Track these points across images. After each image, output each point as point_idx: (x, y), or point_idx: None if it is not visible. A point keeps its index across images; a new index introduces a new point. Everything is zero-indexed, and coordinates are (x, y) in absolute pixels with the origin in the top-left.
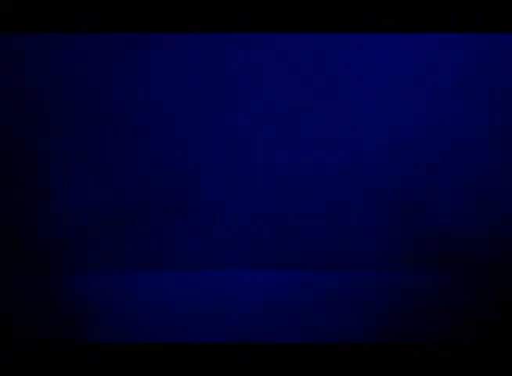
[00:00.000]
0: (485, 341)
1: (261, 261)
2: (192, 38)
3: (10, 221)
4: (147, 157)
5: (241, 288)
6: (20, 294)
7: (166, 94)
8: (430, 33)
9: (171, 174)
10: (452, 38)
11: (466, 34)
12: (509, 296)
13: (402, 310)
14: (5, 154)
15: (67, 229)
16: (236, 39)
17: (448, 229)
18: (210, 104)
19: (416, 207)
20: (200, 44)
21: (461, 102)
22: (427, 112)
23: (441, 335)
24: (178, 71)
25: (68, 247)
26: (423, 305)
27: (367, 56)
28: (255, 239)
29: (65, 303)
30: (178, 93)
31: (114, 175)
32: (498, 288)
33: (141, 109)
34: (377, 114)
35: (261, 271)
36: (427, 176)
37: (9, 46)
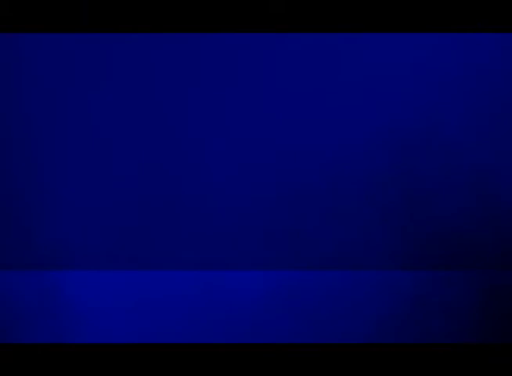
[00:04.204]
0: (486, 341)
1: (261, 261)
2: (191, 38)
3: (10, 220)
4: (146, 156)
5: (241, 288)
6: (19, 293)
7: (166, 93)
8: (430, 33)
9: (171, 174)
10: (453, 38)
11: (466, 34)
12: (509, 296)
13: (402, 311)
14: (5, 154)
15: (66, 228)
16: (236, 39)
17: (448, 230)
18: (210, 104)
19: (417, 208)
20: (200, 44)
21: (461, 101)
22: (427, 112)
23: (441, 336)
24: (178, 71)
25: (67, 246)
26: (424, 305)
27: (367, 56)
28: (255, 239)
29: (64, 302)
30: (177, 93)
31: (113, 174)
32: (498, 288)
33: (141, 108)
34: (378, 115)
35: (261, 271)
36: (428, 176)
37: (9, 46)
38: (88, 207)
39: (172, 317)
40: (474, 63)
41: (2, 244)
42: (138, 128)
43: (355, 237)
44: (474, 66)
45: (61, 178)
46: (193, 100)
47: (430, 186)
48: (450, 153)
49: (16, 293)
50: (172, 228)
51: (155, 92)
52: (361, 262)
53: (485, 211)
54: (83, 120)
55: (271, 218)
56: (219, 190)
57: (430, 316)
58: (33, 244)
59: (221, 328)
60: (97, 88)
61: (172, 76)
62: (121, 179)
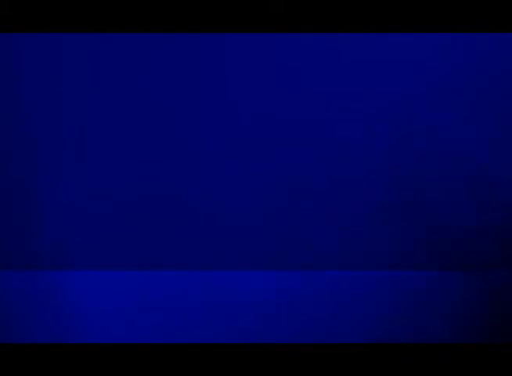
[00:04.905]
0: (486, 341)
1: (261, 261)
2: (191, 38)
3: (10, 220)
4: (146, 156)
5: (241, 288)
6: (19, 293)
7: (165, 94)
8: (430, 33)
9: (171, 174)
10: (453, 38)
11: (466, 34)
12: (509, 296)
13: (402, 311)
14: (5, 154)
15: (66, 228)
16: (236, 39)
17: (448, 230)
18: (210, 103)
19: (417, 207)
20: (200, 44)
21: (461, 101)
22: (427, 112)
23: (441, 336)
24: (177, 71)
25: (67, 246)
26: (424, 305)
27: (367, 56)
28: (255, 239)
29: (64, 302)
30: (177, 93)
31: (113, 174)
32: (498, 288)
33: (141, 108)
34: (378, 115)
35: (261, 271)
36: (428, 177)
37: (9, 46)
38: (88, 207)
39: (172, 317)
40: (474, 63)
41: (2, 244)
42: (138, 126)
43: (355, 237)
44: (474, 66)
45: (61, 178)
46: (193, 100)
47: (431, 185)
48: (450, 153)
49: (16, 293)
50: (172, 228)
51: (155, 93)
52: (361, 261)
53: (485, 211)
54: (83, 119)
55: (271, 218)
56: (219, 190)
57: (431, 316)
58: (33, 244)
59: (221, 328)
60: (96, 88)
61: (172, 76)
62: (121, 179)
